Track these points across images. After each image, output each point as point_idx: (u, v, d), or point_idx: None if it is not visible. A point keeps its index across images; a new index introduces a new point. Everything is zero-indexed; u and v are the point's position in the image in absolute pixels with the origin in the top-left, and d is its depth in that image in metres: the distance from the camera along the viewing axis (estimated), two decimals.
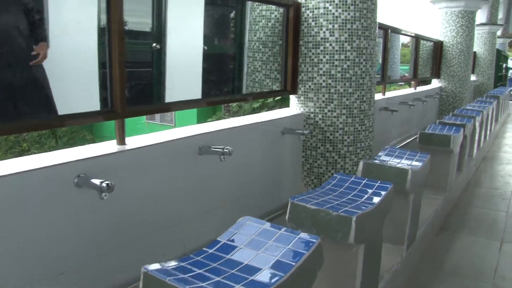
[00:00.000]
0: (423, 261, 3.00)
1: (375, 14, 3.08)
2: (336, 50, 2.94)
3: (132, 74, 2.23)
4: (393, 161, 2.64)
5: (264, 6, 3.06)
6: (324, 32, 2.94)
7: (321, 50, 2.97)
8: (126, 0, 1.86)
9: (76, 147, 1.92)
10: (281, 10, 3.00)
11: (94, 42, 1.86)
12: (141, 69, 2.38)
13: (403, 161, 2.66)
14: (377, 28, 3.15)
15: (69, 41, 1.75)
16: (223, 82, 2.94)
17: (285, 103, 9.21)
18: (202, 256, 1.35)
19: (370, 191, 2.00)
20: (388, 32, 4.67)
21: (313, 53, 3.00)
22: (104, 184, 1.61)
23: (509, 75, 17.04)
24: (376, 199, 1.90)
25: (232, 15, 2.99)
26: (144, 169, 1.97)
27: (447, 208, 3.88)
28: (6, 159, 1.70)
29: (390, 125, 4.86)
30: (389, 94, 5.13)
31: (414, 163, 2.62)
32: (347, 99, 3.01)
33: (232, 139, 2.44)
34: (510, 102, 12.34)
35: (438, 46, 7.09)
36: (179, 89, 2.35)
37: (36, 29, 1.61)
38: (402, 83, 8.37)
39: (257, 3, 3.06)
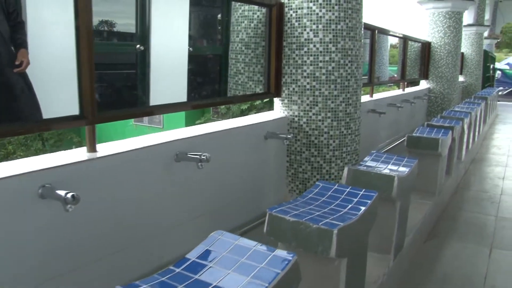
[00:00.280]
0: (411, 269, 2.91)
1: (360, 14, 2.99)
2: (321, 52, 2.85)
3: (109, 77, 2.13)
4: (379, 167, 2.54)
5: (247, 7, 2.95)
6: (308, 33, 2.84)
7: (305, 52, 2.87)
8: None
9: (43, 155, 1.81)
10: (264, 10, 2.89)
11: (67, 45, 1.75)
12: (118, 71, 2.26)
13: (389, 166, 2.57)
14: (362, 29, 3.05)
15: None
16: (205, 85, 2.82)
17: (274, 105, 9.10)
18: (168, 276, 1.24)
19: (354, 200, 1.89)
20: (375, 33, 4.59)
21: (296, 55, 2.90)
22: (69, 196, 1.50)
23: (496, 76, 17.15)
24: (360, 209, 1.79)
25: (216, 15, 2.88)
26: (116, 178, 1.85)
27: (436, 213, 3.80)
28: None
29: (378, 127, 4.78)
30: (377, 95, 5.06)
31: (401, 168, 2.53)
32: (332, 102, 2.91)
33: (211, 145, 2.33)
34: (498, 103, 12.38)
35: (426, 47, 7.05)
36: (159, 92, 2.24)
37: (16, 34, 1.54)
38: (392, 84, 8.33)
39: (239, 3, 2.95)
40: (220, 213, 2.43)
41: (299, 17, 2.85)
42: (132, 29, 2.22)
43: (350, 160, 3.04)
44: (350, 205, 1.84)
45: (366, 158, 2.74)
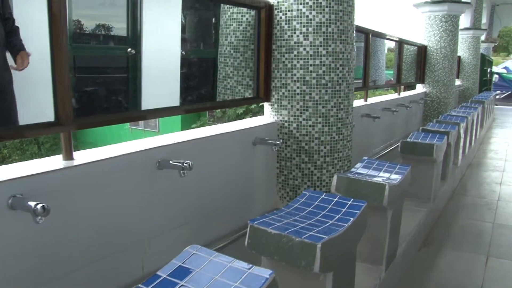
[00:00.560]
0: (404, 280, 2.82)
1: (352, 17, 2.91)
2: (311, 55, 2.76)
3: (95, 81, 2.05)
4: (370, 174, 2.45)
5: (235, 9, 2.87)
6: (298, 36, 2.76)
7: (295, 55, 2.79)
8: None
9: (17, 163, 1.72)
10: (253, 12, 2.81)
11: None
12: (106, 75, 2.19)
13: (381, 174, 2.48)
14: (354, 32, 2.97)
15: None
16: (193, 89, 2.74)
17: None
18: None
19: (341, 210, 1.80)
20: (370, 36, 4.52)
21: (286, 58, 2.81)
22: (38, 207, 1.42)
23: (493, 79, 17.11)
24: (347, 220, 1.70)
25: (207, 18, 2.81)
26: (94, 187, 1.76)
27: (431, 220, 3.71)
28: None
29: (372, 132, 4.69)
30: (372, 100, 4.97)
31: (393, 176, 2.44)
32: (323, 107, 2.83)
33: (196, 151, 2.25)
34: (495, 107, 12.32)
35: (422, 51, 6.98)
36: (150, 96, 2.17)
37: (12, 38, 1.54)
38: (389, 88, 8.26)
39: (228, 5, 2.87)
40: (203, 223, 2.34)
41: (288, 20, 2.77)
42: (123, 32, 2.15)
43: (342, 166, 2.96)
44: (337, 216, 1.75)
45: (357, 165, 2.65)
